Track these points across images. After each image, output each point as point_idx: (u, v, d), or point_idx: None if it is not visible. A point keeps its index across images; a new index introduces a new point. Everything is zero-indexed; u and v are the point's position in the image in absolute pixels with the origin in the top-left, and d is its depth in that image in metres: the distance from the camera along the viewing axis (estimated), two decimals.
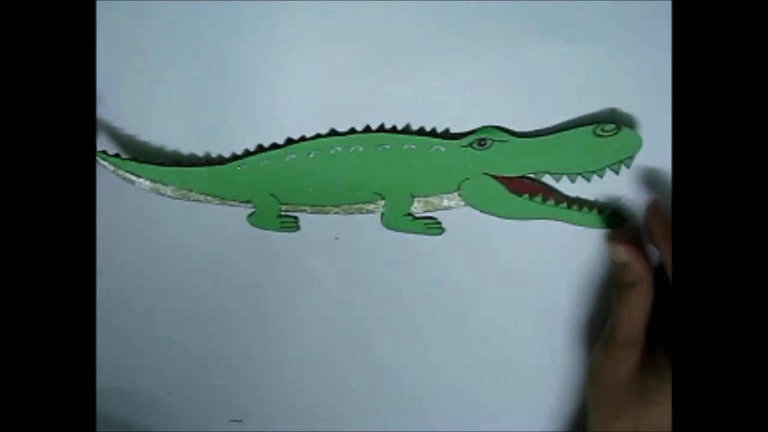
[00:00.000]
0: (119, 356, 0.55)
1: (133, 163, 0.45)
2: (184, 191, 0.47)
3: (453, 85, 0.43)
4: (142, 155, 0.46)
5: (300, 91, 0.44)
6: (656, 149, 0.42)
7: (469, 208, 0.46)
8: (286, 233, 0.48)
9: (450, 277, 0.49)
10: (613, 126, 0.41)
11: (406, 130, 0.44)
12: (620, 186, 0.44)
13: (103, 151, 0.45)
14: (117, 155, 0.45)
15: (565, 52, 0.41)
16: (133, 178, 0.46)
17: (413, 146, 0.44)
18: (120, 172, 0.46)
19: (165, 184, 0.46)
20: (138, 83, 0.45)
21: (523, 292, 0.49)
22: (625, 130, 0.41)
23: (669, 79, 0.38)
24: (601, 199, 0.45)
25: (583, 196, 0.45)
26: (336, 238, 0.49)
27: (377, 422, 0.55)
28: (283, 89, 0.44)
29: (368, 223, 0.47)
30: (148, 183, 0.46)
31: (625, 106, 0.42)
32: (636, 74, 0.41)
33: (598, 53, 0.41)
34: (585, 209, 0.45)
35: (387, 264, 0.49)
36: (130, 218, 0.50)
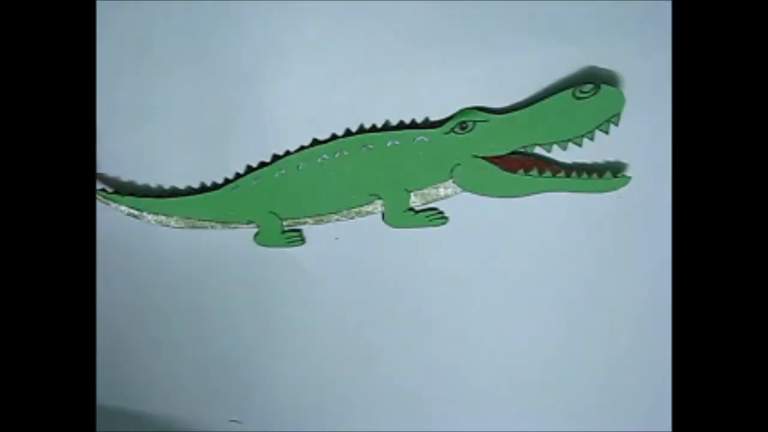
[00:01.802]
0: (119, 358, 0.57)
1: (134, 198, 0.47)
2: (187, 220, 0.48)
3: (453, 85, 0.42)
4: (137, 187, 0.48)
5: (295, 94, 0.44)
6: (657, 148, 0.41)
7: (467, 194, 0.45)
8: None
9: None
10: (591, 86, 0.39)
11: (386, 127, 0.44)
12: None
13: (102, 189, 0.47)
14: (116, 192, 0.47)
15: (565, 52, 0.40)
16: (136, 212, 0.48)
17: (397, 141, 0.44)
18: (122, 208, 0.48)
19: (168, 216, 0.48)
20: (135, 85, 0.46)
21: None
22: (604, 87, 0.39)
23: (669, 78, 0.37)
24: (599, 161, 0.43)
25: (579, 161, 0.43)
26: (336, 238, 0.49)
27: (378, 422, 0.55)
28: (275, 94, 0.44)
29: (370, 222, 0.47)
30: (151, 216, 0.48)
31: (626, 105, 0.40)
32: (636, 74, 0.40)
33: (598, 53, 0.40)
34: (584, 175, 0.43)
35: (394, 261, 0.49)
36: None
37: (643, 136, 0.41)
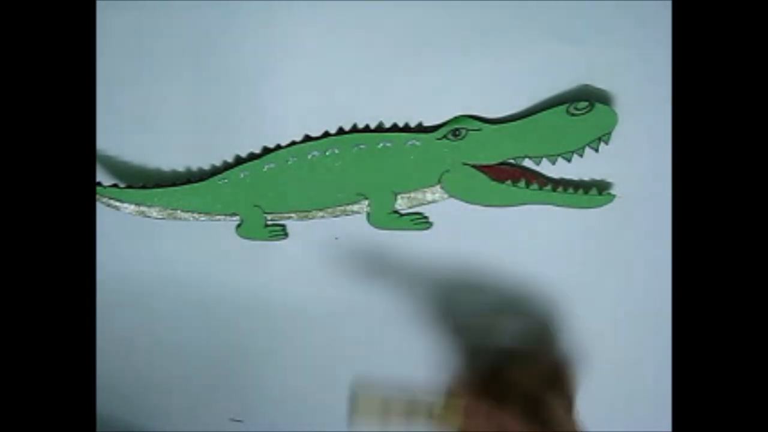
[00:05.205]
0: (119, 357, 0.56)
1: (116, 189, 0.46)
2: (170, 211, 0.47)
3: (451, 86, 0.42)
4: (122, 174, 0.47)
5: (292, 92, 0.44)
6: (657, 148, 0.41)
7: (453, 200, 0.45)
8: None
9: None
10: (585, 103, 0.40)
11: (380, 128, 0.44)
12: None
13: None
14: (99, 183, 0.46)
15: (565, 52, 0.40)
16: (117, 203, 0.46)
17: (389, 143, 0.44)
18: (104, 199, 0.46)
19: (150, 206, 0.47)
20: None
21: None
22: (598, 106, 0.40)
23: (669, 78, 0.38)
24: (586, 178, 0.44)
25: (567, 176, 0.44)
26: (336, 238, 0.49)
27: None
28: (271, 91, 0.44)
29: (357, 223, 0.47)
30: (132, 207, 0.47)
31: (626, 105, 0.41)
32: (636, 74, 0.40)
33: (598, 53, 0.40)
34: (570, 190, 0.44)
35: (379, 263, 0.49)
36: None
37: (643, 136, 0.42)
